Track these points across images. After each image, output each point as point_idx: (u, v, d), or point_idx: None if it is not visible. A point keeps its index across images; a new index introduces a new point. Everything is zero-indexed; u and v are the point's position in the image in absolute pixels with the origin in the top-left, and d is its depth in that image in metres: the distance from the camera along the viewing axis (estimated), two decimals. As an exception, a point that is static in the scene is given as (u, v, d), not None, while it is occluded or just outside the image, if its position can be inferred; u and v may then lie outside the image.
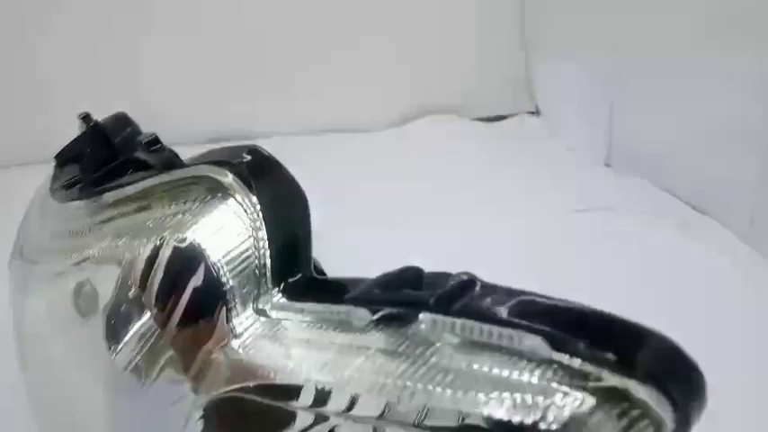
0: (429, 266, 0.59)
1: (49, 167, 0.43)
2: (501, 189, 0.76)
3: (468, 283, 0.21)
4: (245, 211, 0.26)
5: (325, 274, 0.31)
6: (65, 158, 0.45)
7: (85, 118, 0.46)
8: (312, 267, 0.27)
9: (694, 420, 0.18)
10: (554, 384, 0.17)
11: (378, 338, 0.21)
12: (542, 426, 0.17)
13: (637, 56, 0.76)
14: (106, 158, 0.39)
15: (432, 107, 1.01)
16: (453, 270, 0.23)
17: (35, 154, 0.70)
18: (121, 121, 0.49)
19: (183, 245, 0.26)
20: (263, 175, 0.27)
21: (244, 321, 0.25)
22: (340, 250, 0.59)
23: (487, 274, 0.53)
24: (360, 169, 0.81)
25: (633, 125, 0.79)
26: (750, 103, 0.62)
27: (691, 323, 0.49)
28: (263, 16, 0.96)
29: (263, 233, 0.25)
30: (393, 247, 0.60)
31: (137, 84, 0.96)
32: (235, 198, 0.27)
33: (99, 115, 0.47)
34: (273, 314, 0.25)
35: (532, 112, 1.02)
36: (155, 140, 0.35)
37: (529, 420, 0.17)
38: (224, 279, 0.25)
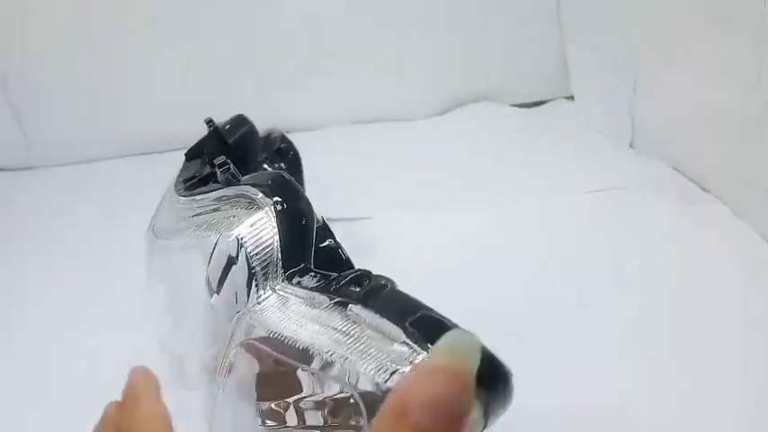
0: (464, 241, 0.67)
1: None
2: (531, 171, 0.82)
3: (384, 285, 0.31)
4: (269, 219, 0.38)
5: (342, 254, 0.41)
6: (190, 155, 0.58)
7: (209, 122, 0.60)
8: (311, 260, 0.37)
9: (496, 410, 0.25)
10: (404, 357, 0.26)
11: (329, 317, 0.31)
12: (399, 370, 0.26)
13: (658, 39, 0.79)
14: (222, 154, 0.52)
15: (471, 95, 1.06)
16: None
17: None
18: (238, 122, 0.62)
19: (230, 239, 0.38)
20: (281, 194, 0.39)
21: (263, 294, 0.36)
22: (388, 230, 0.69)
23: (512, 248, 0.65)
24: (404, 156, 0.89)
25: (652, 107, 0.82)
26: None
27: (693, 294, 0.55)
28: (307, 9, 1.01)
29: (278, 236, 0.37)
30: (436, 226, 0.70)
31: (191, 79, 1.06)
32: (263, 209, 0.38)
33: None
34: (280, 292, 0.35)
35: (569, 98, 1.07)
36: (223, 163, 0.48)
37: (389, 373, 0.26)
38: (253, 264, 0.37)
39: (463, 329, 0.25)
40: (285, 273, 0.36)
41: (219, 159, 0.49)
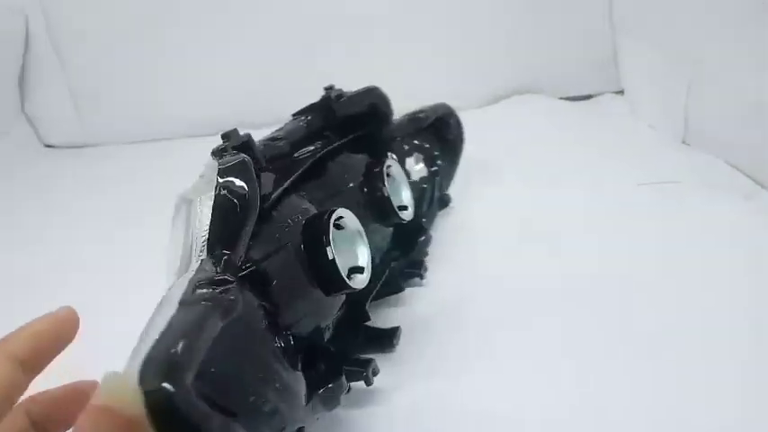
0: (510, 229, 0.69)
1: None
2: (580, 163, 0.80)
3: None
4: (210, 201, 0.38)
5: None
6: (295, 115, 0.58)
7: (328, 89, 0.60)
8: (242, 249, 0.38)
9: None
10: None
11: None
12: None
13: (716, 33, 0.78)
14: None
15: (521, 87, 1.07)
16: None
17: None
18: (360, 95, 0.61)
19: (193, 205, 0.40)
20: (227, 178, 0.40)
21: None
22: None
23: (564, 236, 0.65)
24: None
25: (709, 103, 0.80)
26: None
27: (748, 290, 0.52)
28: (365, 3, 1.06)
29: (210, 221, 0.38)
30: (486, 212, 0.72)
31: (251, 64, 1.10)
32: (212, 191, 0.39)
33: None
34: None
35: (618, 92, 1.05)
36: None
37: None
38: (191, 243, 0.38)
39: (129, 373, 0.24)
40: (211, 254, 0.37)
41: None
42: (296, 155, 0.53)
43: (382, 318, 0.57)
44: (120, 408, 0.22)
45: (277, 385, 0.34)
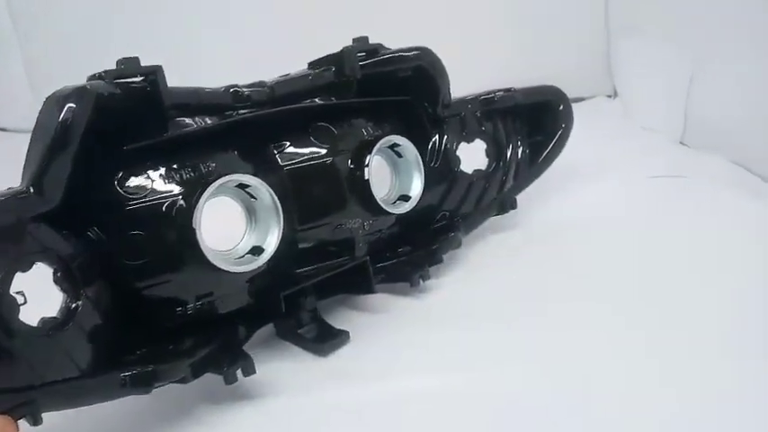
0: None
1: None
2: (575, 163, 0.75)
3: None
4: None
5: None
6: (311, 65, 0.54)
7: (358, 39, 0.55)
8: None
9: None
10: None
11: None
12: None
13: (714, 35, 0.77)
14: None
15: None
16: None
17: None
18: (392, 55, 0.56)
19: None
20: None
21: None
22: None
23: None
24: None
25: (709, 103, 0.80)
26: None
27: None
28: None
29: None
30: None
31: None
32: None
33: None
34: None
35: (609, 96, 1.04)
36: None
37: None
38: None
39: None
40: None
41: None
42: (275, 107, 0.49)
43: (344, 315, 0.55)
44: None
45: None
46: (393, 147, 0.54)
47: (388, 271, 0.57)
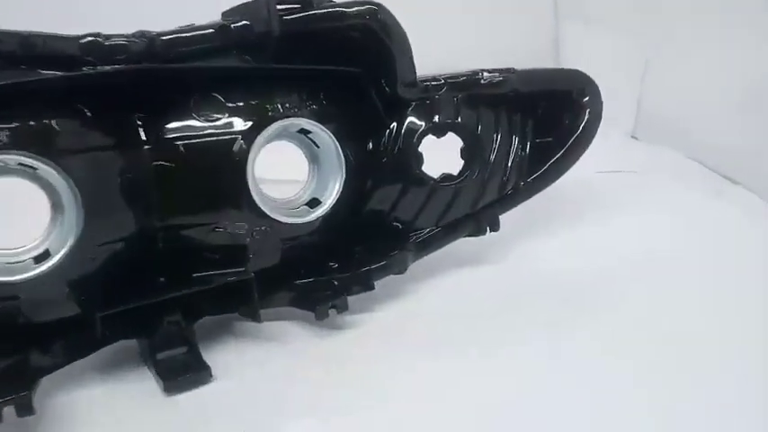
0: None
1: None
2: None
3: None
4: None
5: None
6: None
7: None
8: None
9: None
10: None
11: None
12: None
13: (666, 27, 0.74)
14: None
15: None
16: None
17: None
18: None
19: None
20: None
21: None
22: None
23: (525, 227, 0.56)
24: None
25: (661, 96, 0.76)
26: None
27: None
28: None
29: None
30: None
31: None
32: None
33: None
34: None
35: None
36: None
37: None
38: None
39: None
40: None
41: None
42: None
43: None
44: None
45: None
46: (303, 133, 0.40)
47: (300, 293, 0.44)
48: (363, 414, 0.37)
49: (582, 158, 0.56)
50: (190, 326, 0.42)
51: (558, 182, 0.51)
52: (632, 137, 0.81)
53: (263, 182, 0.42)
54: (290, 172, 0.46)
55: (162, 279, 0.40)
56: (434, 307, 0.47)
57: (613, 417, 0.37)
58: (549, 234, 0.56)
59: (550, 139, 0.49)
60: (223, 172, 0.38)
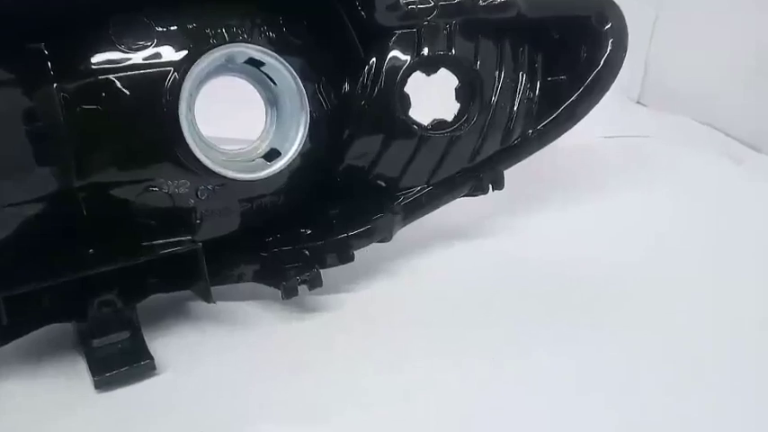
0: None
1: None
2: None
3: None
4: None
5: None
6: None
7: None
8: None
9: None
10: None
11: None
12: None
13: None
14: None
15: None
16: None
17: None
18: None
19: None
20: None
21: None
22: None
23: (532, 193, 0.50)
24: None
25: (669, 62, 0.71)
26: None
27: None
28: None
29: None
30: None
31: None
32: None
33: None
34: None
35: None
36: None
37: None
38: None
39: None
40: None
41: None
42: None
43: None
44: None
45: None
46: (255, 65, 0.32)
47: (264, 265, 0.37)
48: (336, 420, 0.31)
49: (588, 122, 0.47)
50: (129, 307, 0.34)
51: (563, 144, 0.44)
52: (638, 102, 0.74)
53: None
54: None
55: (90, 251, 0.33)
56: (423, 286, 0.40)
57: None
58: (549, 206, 0.50)
59: (564, 76, 0.41)
60: (152, 115, 0.31)
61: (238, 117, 0.43)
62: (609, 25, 0.41)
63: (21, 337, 0.34)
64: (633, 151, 0.60)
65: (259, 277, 0.37)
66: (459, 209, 0.44)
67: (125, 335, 0.35)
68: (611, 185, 0.53)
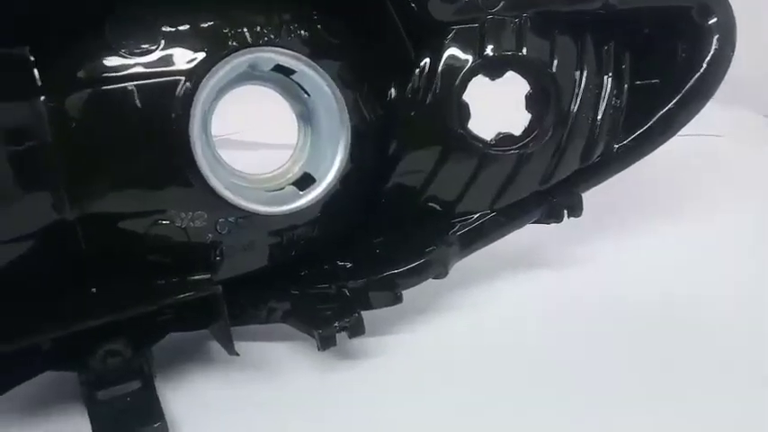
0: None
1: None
2: None
3: None
4: None
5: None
6: None
7: None
8: None
9: None
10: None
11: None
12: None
13: None
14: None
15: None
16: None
17: None
18: None
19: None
20: None
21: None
22: None
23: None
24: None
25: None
26: None
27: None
28: None
29: None
30: None
31: None
32: None
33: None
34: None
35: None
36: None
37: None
38: None
39: None
40: None
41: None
42: None
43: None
44: None
45: None
46: (284, 73, 0.27)
47: (297, 305, 0.32)
48: None
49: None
50: (140, 353, 0.30)
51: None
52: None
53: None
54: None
55: (93, 290, 0.28)
56: (484, 331, 0.33)
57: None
58: (635, 228, 0.44)
59: (657, 80, 0.34)
60: (158, 134, 0.25)
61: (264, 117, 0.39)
62: (714, 19, 0.33)
63: (17, 385, 0.30)
64: (708, 156, 0.56)
65: (290, 318, 0.31)
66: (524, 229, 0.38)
67: (135, 385, 0.30)
68: (696, 199, 0.48)
